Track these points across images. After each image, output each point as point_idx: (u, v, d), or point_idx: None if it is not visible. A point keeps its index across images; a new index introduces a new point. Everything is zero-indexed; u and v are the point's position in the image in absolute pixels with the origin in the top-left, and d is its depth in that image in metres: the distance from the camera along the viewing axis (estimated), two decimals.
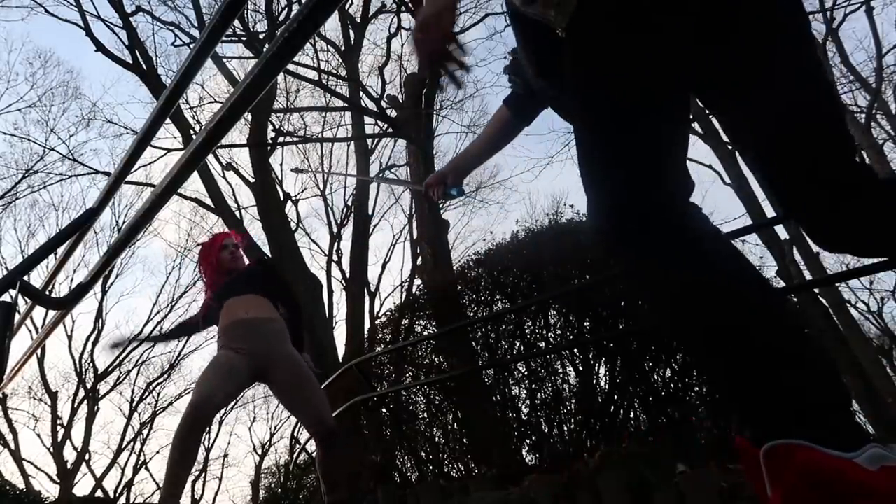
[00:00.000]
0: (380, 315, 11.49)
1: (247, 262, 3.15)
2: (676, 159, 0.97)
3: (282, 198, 11.08)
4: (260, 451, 22.25)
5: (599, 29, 0.97)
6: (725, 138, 12.57)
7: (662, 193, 0.92)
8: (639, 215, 0.90)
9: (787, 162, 0.99)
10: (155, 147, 11.38)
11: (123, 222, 17.52)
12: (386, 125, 10.74)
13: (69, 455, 17.80)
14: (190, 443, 2.38)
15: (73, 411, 18.35)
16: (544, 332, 5.71)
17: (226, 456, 22.78)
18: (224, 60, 11.48)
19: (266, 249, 10.05)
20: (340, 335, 10.74)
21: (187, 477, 2.48)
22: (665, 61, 0.95)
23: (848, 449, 0.71)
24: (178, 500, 2.35)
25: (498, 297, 6.17)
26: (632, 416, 5.38)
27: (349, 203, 13.83)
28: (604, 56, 0.96)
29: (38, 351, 2.73)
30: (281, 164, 18.87)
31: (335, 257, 14.23)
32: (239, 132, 11.83)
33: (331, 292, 13.33)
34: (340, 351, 9.62)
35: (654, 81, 0.95)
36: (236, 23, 9.75)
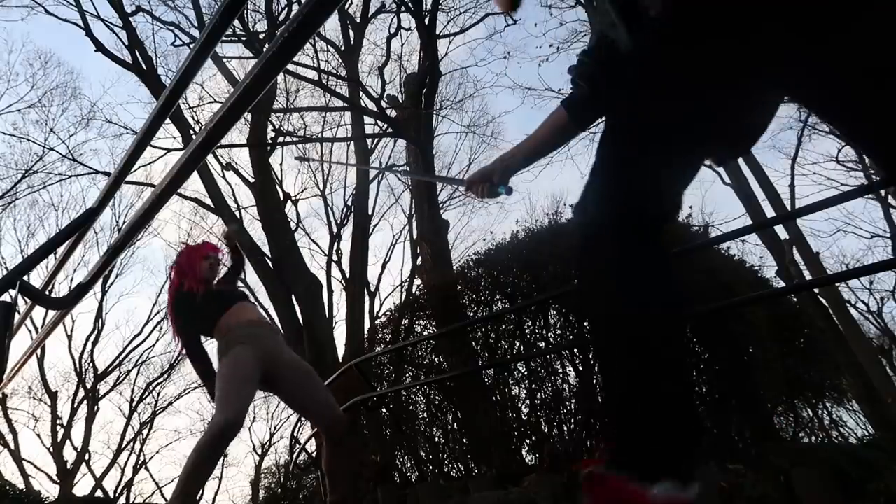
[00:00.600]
0: (380, 315, 11.50)
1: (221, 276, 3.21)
2: (683, 185, 1.02)
3: (281, 198, 11.08)
4: (260, 451, 22.27)
5: (684, 39, 0.93)
6: None
7: (655, 216, 0.98)
8: (631, 227, 0.97)
9: None
10: (155, 147, 11.38)
11: (123, 222, 17.53)
12: (386, 125, 10.74)
13: (69, 455, 17.82)
14: (216, 459, 2.42)
15: (73, 411, 18.36)
16: (544, 331, 5.71)
17: (225, 456, 22.77)
18: (224, 60, 11.49)
19: (266, 249, 10.06)
20: (340, 335, 10.75)
21: (197, 492, 2.49)
22: (731, 89, 0.94)
23: (654, 482, 0.85)
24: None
25: (498, 296, 6.17)
26: None
27: (349, 203, 13.83)
28: (675, 72, 0.95)
29: (38, 351, 2.73)
30: (281, 164, 18.89)
31: (335, 257, 14.23)
32: (239, 132, 11.84)
33: (331, 292, 13.33)
34: (340, 351, 9.62)
35: (709, 112, 0.95)
36: (236, 23, 9.75)
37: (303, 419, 8.01)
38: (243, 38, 11.11)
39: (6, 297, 1.35)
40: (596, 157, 1.03)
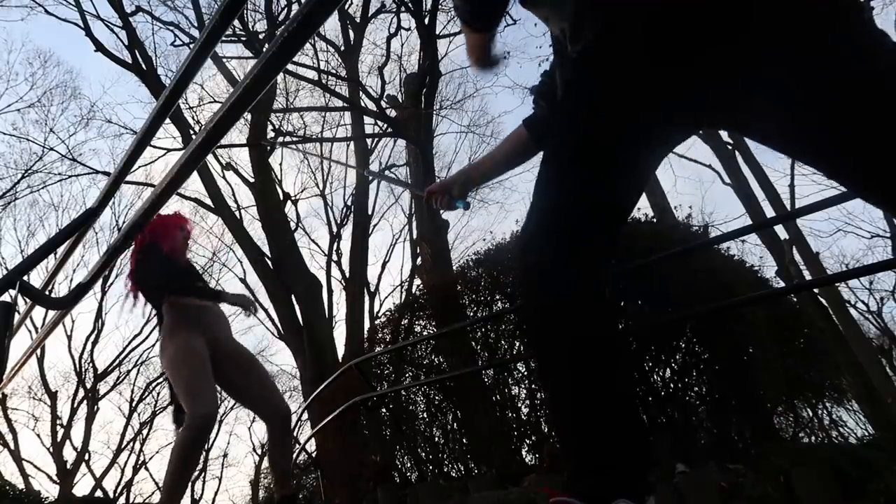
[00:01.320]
0: (379, 315, 11.49)
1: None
2: (619, 221, 1.06)
3: (281, 197, 11.08)
4: (260, 451, 22.25)
5: (602, 65, 0.99)
6: (727, 138, 12.57)
7: (590, 233, 1.02)
8: (565, 258, 1.01)
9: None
10: (155, 147, 11.39)
11: (123, 222, 17.53)
12: (385, 125, 10.74)
13: (69, 455, 17.82)
14: (197, 456, 2.38)
15: (73, 411, 18.36)
16: None
17: (225, 456, 22.80)
18: (224, 60, 11.50)
19: (266, 249, 10.05)
20: (340, 335, 10.75)
21: (187, 486, 2.46)
22: (656, 117, 0.99)
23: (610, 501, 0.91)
24: None
25: (498, 296, 6.17)
26: None
27: (349, 203, 13.82)
28: (596, 94, 1.00)
29: (38, 351, 2.73)
30: (280, 164, 18.89)
31: (335, 257, 14.22)
32: (238, 132, 11.84)
33: (330, 292, 13.32)
34: (340, 351, 9.62)
35: (635, 135, 1.00)
36: (236, 23, 9.75)
37: (302, 419, 8.00)
38: (243, 38, 11.12)
39: (6, 297, 1.34)
40: (536, 184, 1.07)
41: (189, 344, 2.55)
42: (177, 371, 2.51)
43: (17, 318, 1.50)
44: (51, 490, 16.45)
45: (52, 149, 15.12)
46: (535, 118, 1.44)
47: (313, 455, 7.77)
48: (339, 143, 14.98)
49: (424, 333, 6.63)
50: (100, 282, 10.10)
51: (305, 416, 7.81)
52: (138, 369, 19.93)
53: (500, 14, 1.21)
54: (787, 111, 0.85)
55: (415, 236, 14.28)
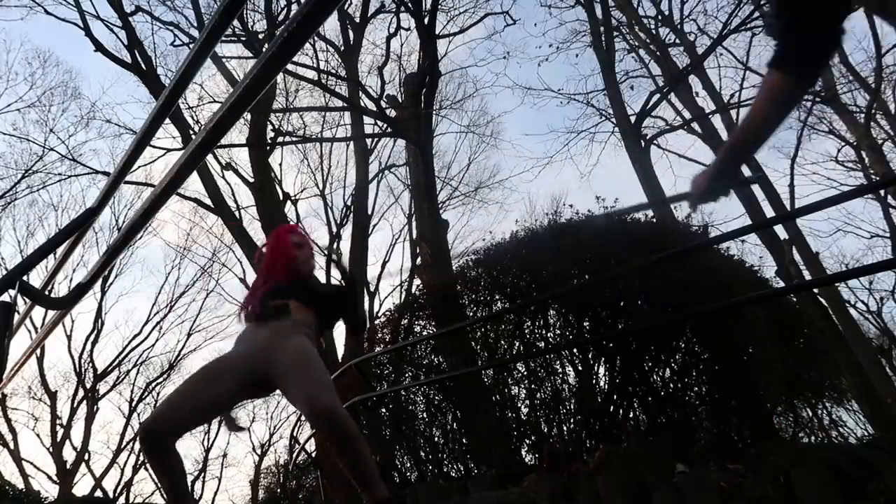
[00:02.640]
0: (379, 315, 11.48)
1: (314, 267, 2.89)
2: None
3: (281, 197, 11.07)
4: (259, 451, 22.26)
5: None
6: (726, 138, 12.57)
7: None
8: None
9: None
10: (154, 147, 11.37)
11: (123, 222, 17.53)
12: (385, 125, 10.74)
13: (68, 455, 17.81)
14: (153, 464, 2.16)
15: (73, 411, 18.36)
16: (543, 331, 5.71)
17: (225, 455, 22.78)
18: (224, 60, 11.50)
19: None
20: (340, 335, 10.74)
21: (182, 485, 2.25)
22: None
23: None
24: None
25: (497, 296, 6.17)
26: (631, 415, 5.38)
27: (349, 203, 13.83)
28: None
29: (38, 350, 2.70)
30: (280, 164, 18.88)
31: (335, 257, 14.20)
32: (238, 132, 11.84)
33: None
34: (340, 351, 9.62)
35: None
36: (235, 23, 9.75)
37: (302, 419, 8.00)
38: (243, 38, 11.12)
39: (6, 297, 1.34)
40: None
41: (219, 357, 2.45)
42: (314, 364, 2.32)
43: (16, 317, 1.50)
44: (50, 490, 16.46)
45: (52, 149, 15.11)
46: (785, 52, 1.19)
47: (313, 455, 7.76)
48: (339, 143, 15.00)
49: (424, 333, 6.63)
50: (99, 282, 10.11)
51: None
52: (138, 369, 19.92)
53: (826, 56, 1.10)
54: None
55: (414, 236, 14.28)
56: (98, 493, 18.12)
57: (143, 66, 10.84)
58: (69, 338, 18.51)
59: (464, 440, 6.09)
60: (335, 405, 2.20)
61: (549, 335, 5.70)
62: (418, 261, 13.03)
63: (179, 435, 2.25)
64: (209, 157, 10.81)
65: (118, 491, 19.41)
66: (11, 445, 17.42)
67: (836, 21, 1.08)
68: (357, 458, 2.17)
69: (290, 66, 9.63)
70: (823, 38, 1.15)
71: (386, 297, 21.90)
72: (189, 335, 20.25)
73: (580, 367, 5.46)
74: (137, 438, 2.24)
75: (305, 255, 2.76)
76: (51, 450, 17.62)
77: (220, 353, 2.52)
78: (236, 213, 12.01)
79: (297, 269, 2.70)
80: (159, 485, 2.22)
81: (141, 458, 20.12)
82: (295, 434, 7.14)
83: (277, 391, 2.47)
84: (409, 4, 9.94)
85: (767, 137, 1.31)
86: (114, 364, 19.13)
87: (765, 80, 1.24)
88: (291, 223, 2.95)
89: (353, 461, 2.17)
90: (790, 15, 1.12)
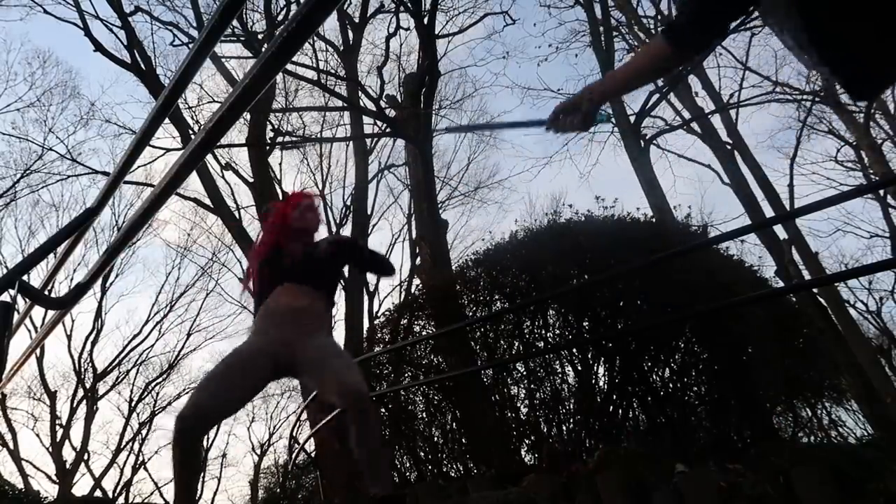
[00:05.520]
0: (378, 315, 11.48)
1: (319, 226, 2.83)
2: None
3: (281, 197, 11.07)
4: (259, 451, 22.27)
5: None
6: (726, 138, 12.58)
7: None
8: None
9: None
10: (154, 147, 11.37)
11: (123, 222, 17.51)
12: (385, 125, 10.74)
13: (68, 455, 17.81)
14: (181, 456, 2.16)
15: (72, 411, 18.35)
16: (543, 331, 5.71)
17: (224, 456, 22.78)
18: (223, 60, 11.49)
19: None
20: (339, 335, 10.75)
21: (195, 482, 2.30)
22: None
23: None
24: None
25: (497, 296, 6.17)
26: (631, 415, 5.38)
27: (348, 203, 13.83)
28: None
29: (37, 350, 2.70)
30: (280, 164, 18.87)
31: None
32: (238, 132, 11.84)
33: None
34: None
35: None
36: (235, 23, 9.75)
37: (301, 419, 8.00)
38: (242, 38, 11.12)
39: (5, 297, 1.34)
40: None
41: (244, 343, 2.45)
42: (341, 349, 2.38)
43: (16, 317, 1.50)
44: (50, 490, 16.45)
45: (51, 149, 15.11)
46: (675, 23, 1.27)
47: (313, 455, 7.76)
48: (339, 143, 15.00)
49: (423, 333, 6.63)
50: (99, 281, 10.10)
51: (304, 416, 7.81)
52: (138, 369, 19.92)
53: (717, 32, 1.11)
54: None
55: (414, 236, 14.28)
56: (97, 493, 18.12)
57: (142, 65, 10.84)
58: (69, 337, 18.51)
59: (463, 440, 6.09)
60: (365, 385, 2.29)
61: (548, 335, 5.70)
62: (418, 261, 13.02)
63: (215, 425, 2.30)
64: (209, 157, 10.81)
65: (117, 491, 19.41)
66: (11, 445, 17.42)
67: (741, 10, 1.13)
68: (376, 446, 2.22)
69: (289, 66, 9.62)
70: (716, 24, 1.20)
71: (385, 297, 21.88)
72: (189, 335, 20.27)
73: (580, 367, 5.46)
74: (175, 428, 2.22)
75: (305, 216, 2.75)
76: (50, 450, 17.62)
77: (242, 343, 2.47)
78: (236, 213, 12.02)
79: (290, 229, 2.70)
80: (174, 475, 2.18)
81: (140, 458, 20.13)
82: (294, 434, 7.15)
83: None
84: (409, 4, 9.94)
85: (625, 94, 1.40)
86: (113, 364, 19.13)
87: (650, 43, 1.32)
88: (307, 190, 2.92)
89: (374, 450, 2.20)
90: None
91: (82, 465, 18.13)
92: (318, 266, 2.64)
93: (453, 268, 9.14)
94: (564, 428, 5.45)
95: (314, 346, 2.42)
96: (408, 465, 6.43)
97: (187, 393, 20.79)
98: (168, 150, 12.19)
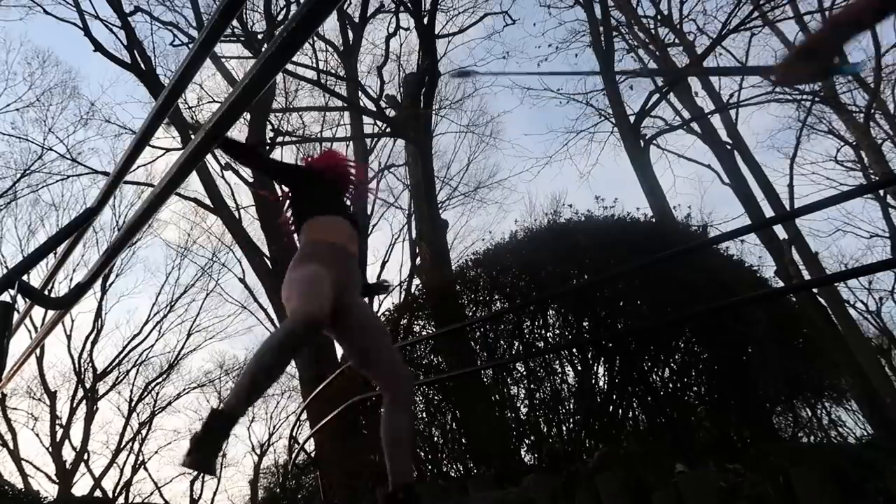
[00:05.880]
0: (378, 315, 11.47)
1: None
2: None
3: (281, 197, 11.05)
4: (259, 451, 22.27)
5: None
6: (726, 138, 12.58)
7: None
8: None
9: None
10: (154, 147, 11.38)
11: (123, 222, 17.51)
12: (385, 125, 10.74)
13: (68, 455, 17.81)
14: (288, 361, 1.97)
15: (72, 411, 18.35)
16: (543, 331, 5.71)
17: (224, 456, 22.77)
18: (223, 60, 11.50)
19: (265, 249, 10.05)
20: None
21: (261, 395, 2.02)
22: None
23: None
24: (245, 411, 1.89)
25: (497, 296, 6.17)
26: (631, 415, 5.38)
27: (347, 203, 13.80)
28: None
29: (37, 350, 2.70)
30: None
31: None
32: (238, 132, 11.84)
33: None
34: (339, 350, 9.61)
35: None
36: (235, 23, 9.75)
37: (301, 419, 7.99)
38: (242, 38, 11.12)
39: (5, 297, 1.35)
40: None
41: (316, 273, 2.17)
42: (295, 280, 2.17)
43: (16, 317, 1.50)
44: (50, 490, 16.46)
45: (51, 148, 15.14)
46: None
47: (313, 455, 7.76)
48: (339, 143, 14.98)
49: (423, 333, 6.63)
50: (99, 281, 10.09)
51: (304, 416, 7.81)
52: (137, 369, 19.93)
53: None
54: None
55: (414, 236, 14.28)
56: (97, 493, 18.12)
57: (142, 66, 10.84)
58: (69, 337, 18.52)
59: (463, 440, 6.09)
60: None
61: (548, 335, 5.70)
62: (417, 261, 13.02)
63: (317, 335, 2.09)
64: (208, 157, 10.80)
65: (117, 491, 19.41)
66: (11, 445, 17.41)
67: None
68: (413, 436, 2.30)
69: (289, 66, 9.62)
70: None
71: (385, 297, 21.87)
72: (189, 335, 20.28)
73: (579, 367, 5.46)
74: (305, 324, 1.92)
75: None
76: (50, 450, 17.62)
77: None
78: (235, 213, 12.01)
79: (356, 181, 2.91)
80: (249, 377, 1.85)
81: (140, 458, 20.13)
82: (294, 434, 7.15)
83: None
84: (409, 4, 9.94)
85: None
86: (113, 364, 19.14)
87: None
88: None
89: (410, 439, 2.27)
90: None
91: (82, 465, 18.14)
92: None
93: (453, 268, 9.14)
94: (564, 428, 5.45)
95: (363, 308, 2.37)
96: None
97: (187, 393, 20.83)
98: (168, 150, 12.22)
